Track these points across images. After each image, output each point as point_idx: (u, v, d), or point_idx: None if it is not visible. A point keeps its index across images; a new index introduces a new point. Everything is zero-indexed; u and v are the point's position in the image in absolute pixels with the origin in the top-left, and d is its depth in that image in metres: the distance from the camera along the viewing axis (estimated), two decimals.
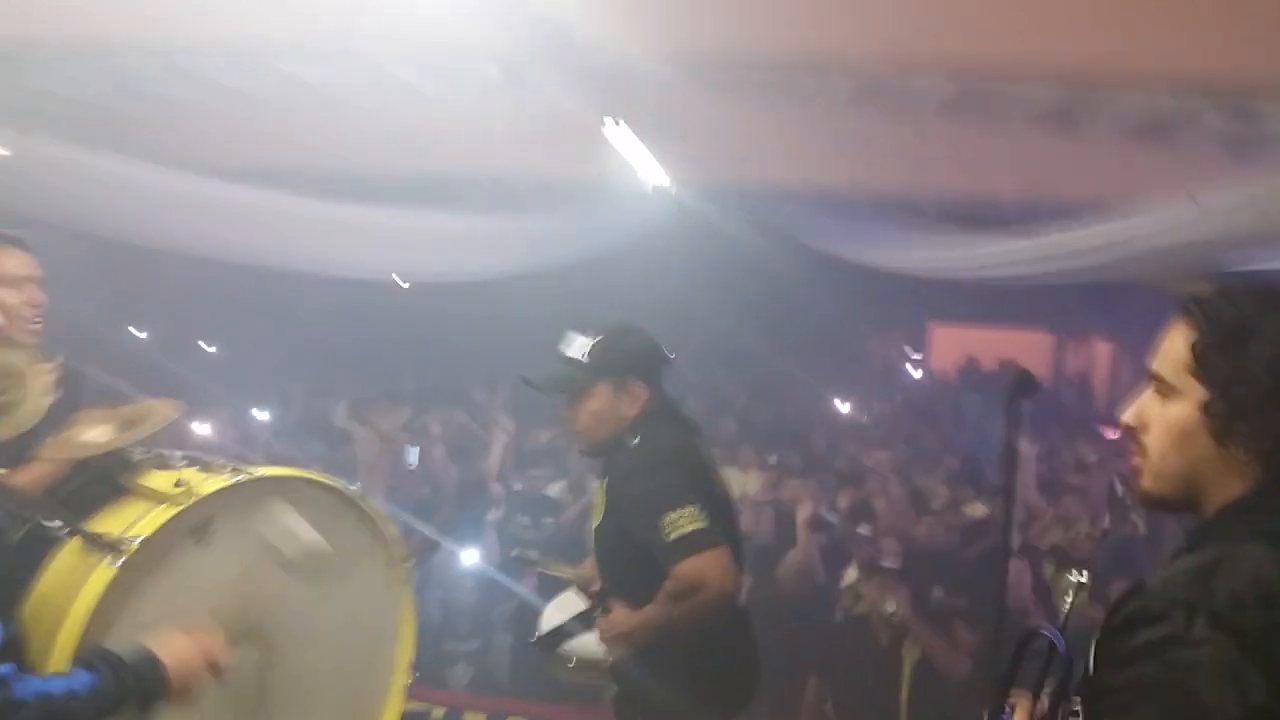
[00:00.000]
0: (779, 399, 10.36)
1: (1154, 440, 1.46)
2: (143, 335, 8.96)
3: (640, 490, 2.74)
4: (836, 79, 5.87)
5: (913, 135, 6.45)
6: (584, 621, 2.97)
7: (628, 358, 2.91)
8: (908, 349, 13.62)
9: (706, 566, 2.58)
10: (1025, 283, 7.24)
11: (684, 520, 2.59)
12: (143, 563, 1.98)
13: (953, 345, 13.89)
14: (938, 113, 6.21)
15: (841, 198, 7.97)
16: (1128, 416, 1.51)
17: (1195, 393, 1.40)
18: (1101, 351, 14.89)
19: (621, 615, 2.81)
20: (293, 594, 2.32)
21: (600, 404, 2.91)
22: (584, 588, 3.06)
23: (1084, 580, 1.77)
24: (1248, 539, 1.31)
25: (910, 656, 5.21)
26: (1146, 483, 1.49)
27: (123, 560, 1.94)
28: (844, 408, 9.80)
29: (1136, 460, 1.50)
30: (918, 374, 12.81)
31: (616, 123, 5.06)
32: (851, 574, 5.77)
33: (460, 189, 7.62)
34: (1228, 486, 1.39)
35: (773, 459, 7.41)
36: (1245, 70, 3.85)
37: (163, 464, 2.26)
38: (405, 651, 2.60)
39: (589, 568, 3.13)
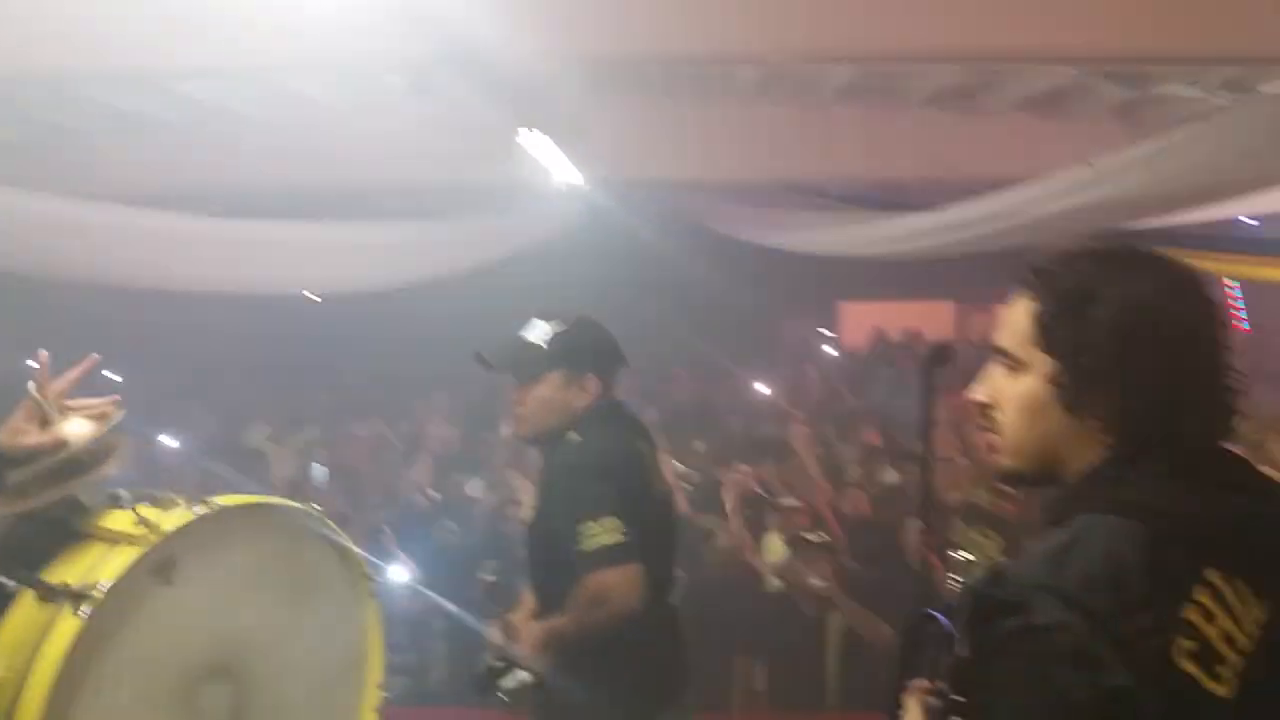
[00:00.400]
0: (700, 386, 10.46)
1: (1006, 416, 1.42)
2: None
3: (566, 492, 2.72)
4: (739, 71, 5.97)
5: (814, 121, 6.59)
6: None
7: (586, 350, 2.89)
8: (820, 328, 13.88)
9: (612, 582, 2.58)
10: (929, 255, 7.44)
11: (601, 532, 2.58)
12: (109, 610, 1.88)
13: (861, 320, 14.22)
14: (838, 98, 6.36)
15: (748, 186, 8.10)
16: (978, 394, 1.46)
17: (1042, 365, 1.37)
18: (999, 315, 15.44)
19: (534, 628, 2.80)
20: (262, 625, 2.26)
21: (550, 391, 2.88)
22: (506, 633, 2.96)
23: (971, 558, 1.79)
24: (1102, 511, 1.28)
25: (836, 627, 5.34)
26: (1004, 460, 1.45)
27: (90, 609, 1.84)
28: (763, 389, 9.93)
29: (991, 437, 1.46)
30: (832, 351, 13.04)
31: (524, 125, 5.05)
32: (775, 547, 5.88)
33: (368, 199, 7.53)
34: (1084, 458, 1.36)
35: (700, 445, 7.48)
36: (1135, 40, 4.01)
37: (115, 503, 2.17)
38: (375, 670, 2.51)
39: (522, 612, 3.04)
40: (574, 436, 2.84)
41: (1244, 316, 9.82)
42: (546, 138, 5.03)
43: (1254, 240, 7.63)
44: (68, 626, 1.84)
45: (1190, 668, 1.20)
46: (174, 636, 2.06)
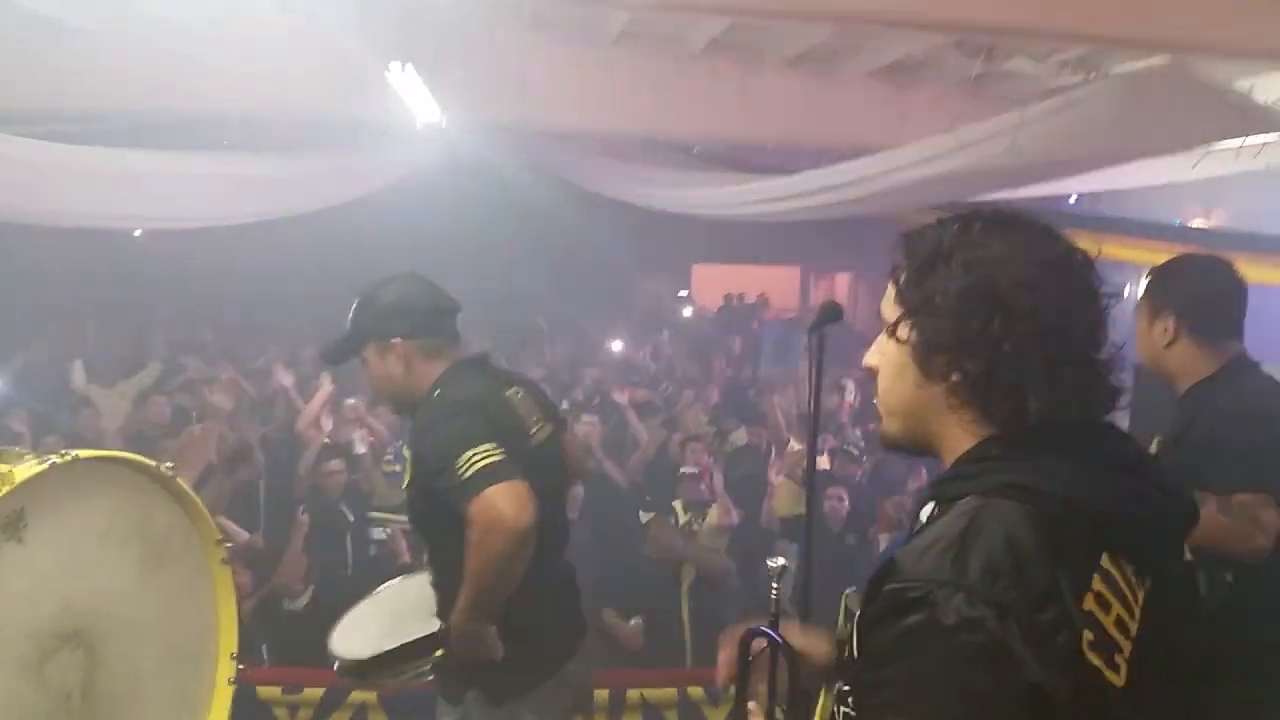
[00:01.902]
0: (555, 339, 10.42)
1: (880, 378, 1.42)
2: None
3: (437, 438, 2.61)
4: (605, 17, 5.90)
5: (679, 76, 6.58)
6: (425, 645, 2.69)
7: (381, 315, 2.79)
8: (675, 288, 14.06)
9: (500, 497, 2.42)
10: (786, 217, 7.59)
11: (478, 456, 2.46)
12: None
13: (712, 282, 14.51)
14: (704, 54, 6.37)
15: (609, 138, 8.05)
16: (866, 359, 1.45)
17: (901, 327, 1.37)
18: (841, 282, 16.01)
19: (455, 620, 2.62)
20: (112, 589, 2.13)
21: (374, 367, 2.83)
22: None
23: (784, 564, 1.70)
24: (992, 494, 1.25)
25: (687, 577, 5.54)
26: (883, 423, 1.45)
27: None
28: (616, 345, 9.96)
29: (876, 400, 1.46)
30: (685, 311, 13.22)
31: (389, 59, 4.84)
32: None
33: (219, 128, 7.09)
34: (951, 427, 1.34)
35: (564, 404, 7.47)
36: (988, 12, 4.14)
37: None
38: (228, 640, 2.42)
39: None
40: (434, 393, 2.76)
41: None
42: (415, 75, 4.84)
43: (1079, 216, 8.11)
44: None
45: (1095, 660, 1.18)
46: (24, 599, 1.92)
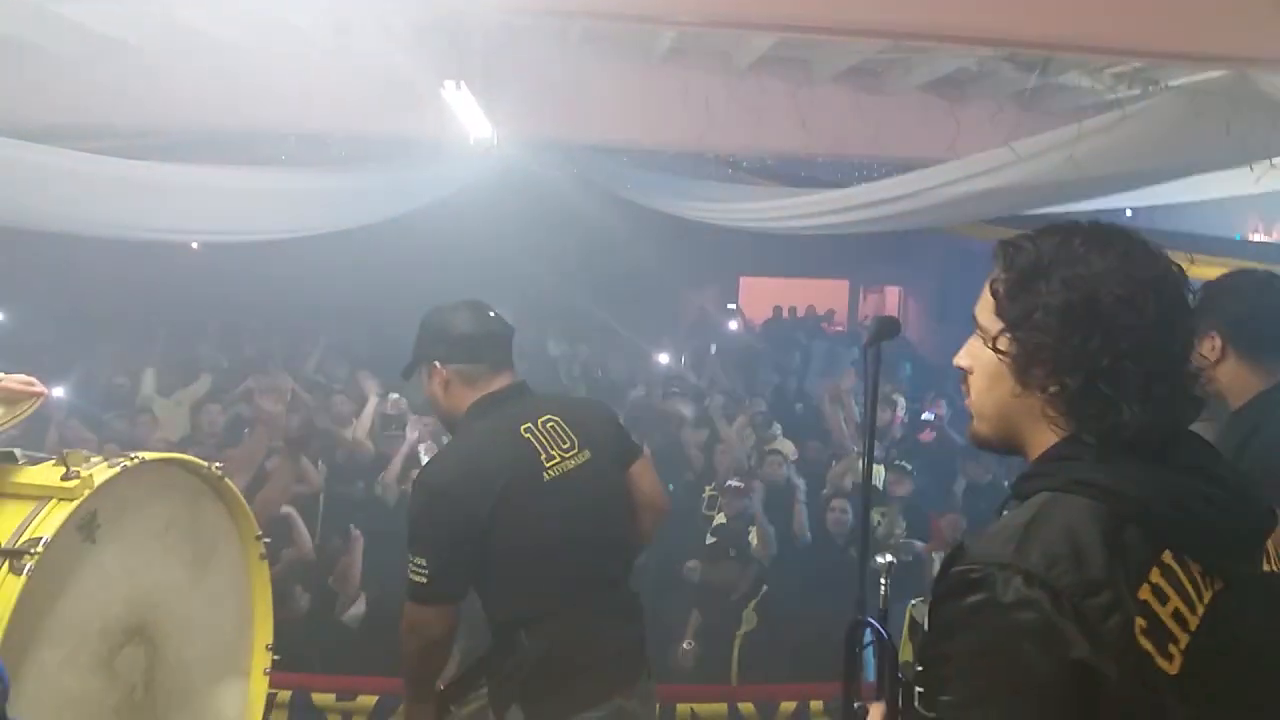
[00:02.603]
0: (604, 351, 10.45)
1: (974, 381, 1.49)
2: None
3: (408, 513, 2.74)
4: (654, 34, 5.92)
5: (728, 91, 6.58)
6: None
7: (424, 339, 2.91)
8: (723, 300, 14.04)
9: (414, 619, 2.67)
10: (836, 231, 7.55)
11: (414, 569, 2.63)
12: (45, 569, 1.79)
13: (761, 294, 14.46)
14: (752, 69, 6.37)
15: (657, 152, 8.08)
16: (958, 359, 1.52)
17: (999, 335, 1.42)
18: (891, 295, 15.90)
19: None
20: (167, 585, 2.23)
21: (424, 387, 2.95)
22: None
23: (892, 560, 1.79)
24: (1064, 489, 1.32)
25: (747, 623, 5.47)
26: (973, 423, 1.52)
27: (29, 566, 1.72)
28: (663, 358, 9.97)
29: (968, 401, 1.52)
30: (733, 324, 13.18)
31: (442, 78, 4.91)
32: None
33: (277, 144, 7.24)
34: (1042, 432, 1.41)
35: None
36: (1043, 27, 4.10)
37: (9, 459, 2.02)
38: (264, 632, 2.55)
39: None
40: (455, 431, 2.88)
41: None
42: (467, 92, 4.91)
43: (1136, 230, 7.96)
44: (9, 588, 1.74)
45: (1146, 645, 1.25)
46: (96, 597, 2.00)
